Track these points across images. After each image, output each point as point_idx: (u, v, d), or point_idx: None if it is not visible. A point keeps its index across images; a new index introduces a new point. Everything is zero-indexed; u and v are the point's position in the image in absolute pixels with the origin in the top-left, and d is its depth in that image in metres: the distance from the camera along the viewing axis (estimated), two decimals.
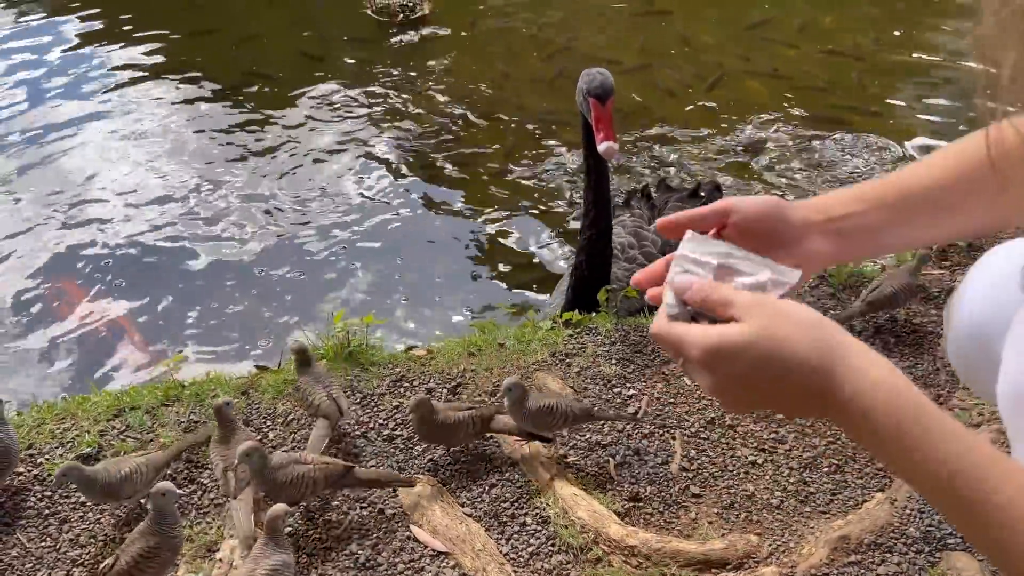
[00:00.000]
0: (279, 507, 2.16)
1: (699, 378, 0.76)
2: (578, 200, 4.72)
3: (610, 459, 2.65)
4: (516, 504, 2.49)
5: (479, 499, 2.51)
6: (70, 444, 2.75)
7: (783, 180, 4.86)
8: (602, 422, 2.72)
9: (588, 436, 2.73)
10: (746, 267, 0.80)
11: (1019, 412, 0.48)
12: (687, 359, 0.75)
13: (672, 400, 2.87)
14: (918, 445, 0.61)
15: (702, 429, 2.75)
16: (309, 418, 2.80)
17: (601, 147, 2.77)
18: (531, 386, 2.67)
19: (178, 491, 2.23)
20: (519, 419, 2.50)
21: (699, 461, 2.64)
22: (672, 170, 4.98)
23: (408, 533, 2.39)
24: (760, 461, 2.62)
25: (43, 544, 2.44)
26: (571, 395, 2.79)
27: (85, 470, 2.34)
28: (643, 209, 3.94)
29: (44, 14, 7.23)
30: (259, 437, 2.75)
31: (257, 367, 3.19)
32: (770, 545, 2.36)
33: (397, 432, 2.75)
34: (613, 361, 3.03)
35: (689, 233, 0.83)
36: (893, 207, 0.89)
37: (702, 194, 4.00)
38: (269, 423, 2.81)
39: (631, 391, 2.91)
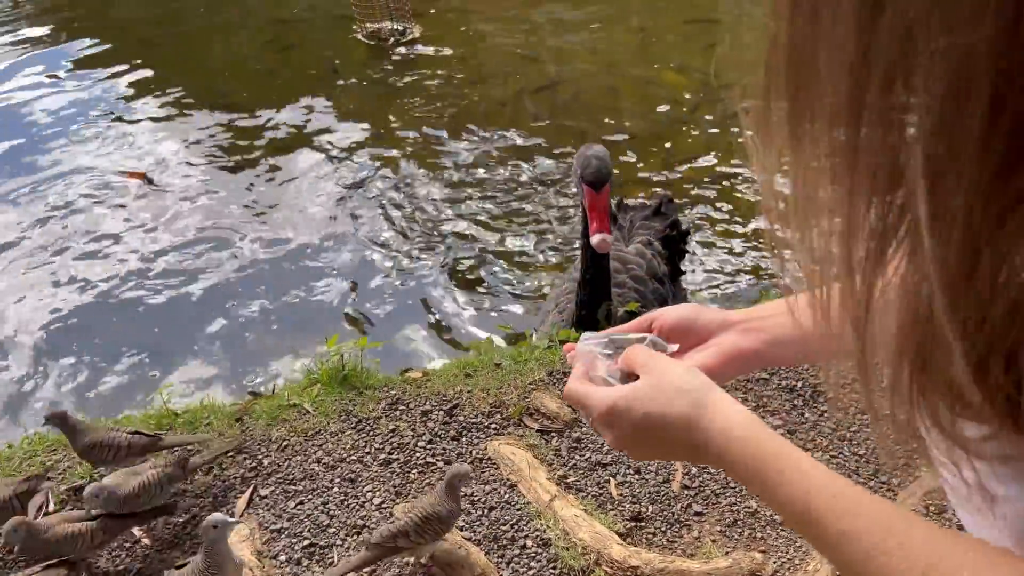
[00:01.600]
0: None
1: (601, 433, 0.86)
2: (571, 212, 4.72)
3: (611, 479, 2.61)
4: (516, 527, 2.44)
5: (478, 522, 2.47)
6: (61, 476, 2.70)
7: None
8: None
9: (587, 456, 2.69)
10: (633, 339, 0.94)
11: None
12: (591, 417, 0.86)
13: None
14: (776, 485, 0.70)
15: None
16: (303, 444, 2.77)
17: (594, 239, 2.69)
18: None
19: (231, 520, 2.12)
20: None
21: (700, 479, 2.60)
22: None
23: (406, 559, 2.34)
24: None
25: None
26: None
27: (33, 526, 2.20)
28: (613, 231, 3.89)
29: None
30: (253, 464, 2.71)
31: (251, 393, 3.15)
32: (775, 562, 2.31)
33: (394, 456, 2.71)
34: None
35: (585, 333, 0.96)
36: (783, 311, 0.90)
37: (663, 210, 3.99)
38: (263, 449, 2.77)
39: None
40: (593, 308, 3.19)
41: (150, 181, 5.23)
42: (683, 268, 3.99)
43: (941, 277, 0.44)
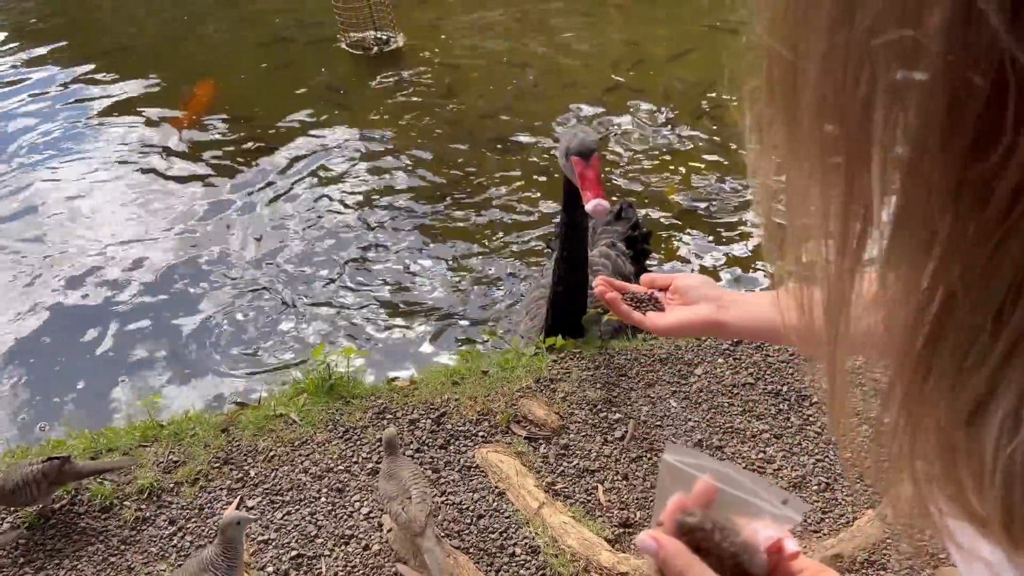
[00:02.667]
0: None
1: None
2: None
3: (598, 485, 2.62)
4: (504, 534, 2.44)
5: (467, 531, 2.47)
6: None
7: None
8: None
9: (575, 462, 2.70)
10: (743, 503, 0.73)
11: None
12: None
13: (659, 423, 2.84)
14: None
15: None
16: (290, 454, 2.76)
17: (589, 205, 2.71)
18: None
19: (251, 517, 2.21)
20: None
21: None
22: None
23: (394, 570, 2.34)
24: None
25: None
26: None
27: None
28: None
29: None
30: (239, 475, 2.70)
31: (237, 403, 3.14)
32: None
33: (381, 465, 2.70)
34: (598, 385, 3.01)
35: (670, 446, 0.80)
36: (775, 298, 1.02)
37: (623, 215, 4.09)
38: (250, 460, 2.76)
39: (617, 415, 2.88)
40: (569, 311, 3.17)
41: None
42: (648, 267, 4.08)
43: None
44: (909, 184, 0.43)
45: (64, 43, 7.56)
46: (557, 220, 4.16)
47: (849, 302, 0.48)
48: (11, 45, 7.61)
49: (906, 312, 0.44)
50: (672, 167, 5.22)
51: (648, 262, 4.11)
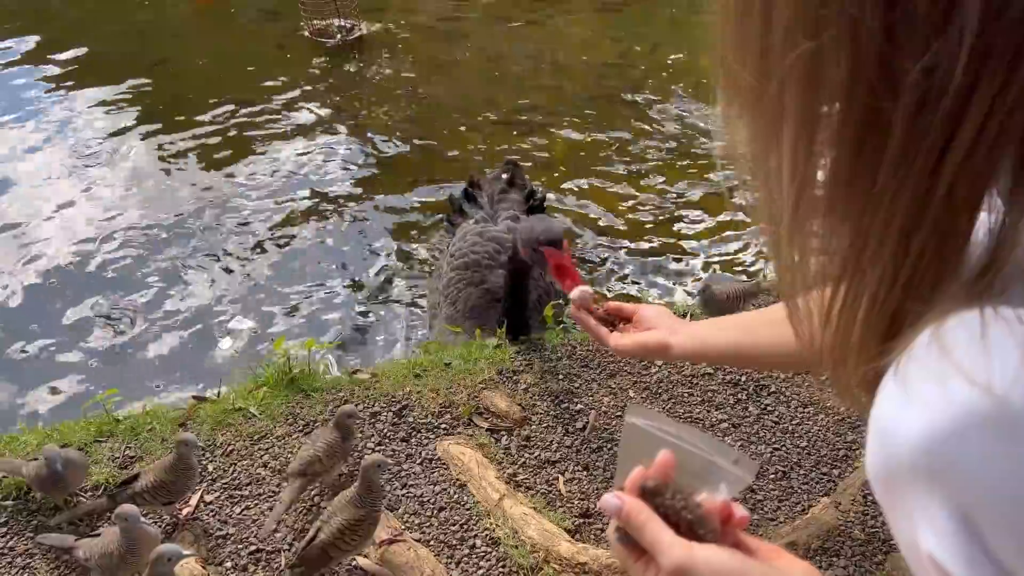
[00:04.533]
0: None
1: None
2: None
3: (559, 476, 2.63)
4: (465, 527, 2.44)
5: (427, 523, 2.46)
6: None
7: None
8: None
9: (537, 454, 2.71)
10: (698, 465, 0.78)
11: (878, 490, 0.56)
12: (652, 562, 0.75)
13: (619, 413, 2.86)
14: None
15: None
16: (249, 448, 2.73)
17: (574, 294, 2.69)
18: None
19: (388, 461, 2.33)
20: None
21: None
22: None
23: (354, 562, 2.33)
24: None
25: None
26: None
27: None
28: (479, 212, 4.02)
29: None
30: (198, 470, 2.66)
31: (195, 397, 3.09)
32: None
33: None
34: (560, 376, 3.02)
35: (631, 406, 0.88)
36: (718, 324, 1.34)
37: (517, 181, 4.23)
38: (208, 455, 2.72)
39: (579, 406, 2.90)
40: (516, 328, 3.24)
41: None
42: None
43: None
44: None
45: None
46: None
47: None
48: None
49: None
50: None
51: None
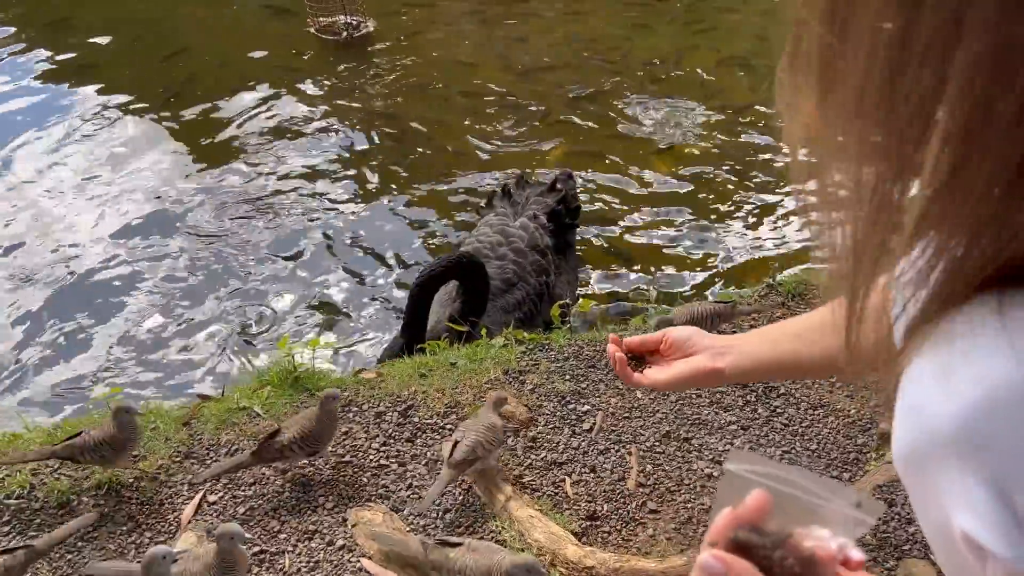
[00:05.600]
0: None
1: None
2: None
3: (566, 478, 2.60)
4: (471, 529, 2.42)
5: (433, 525, 2.44)
6: None
7: None
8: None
9: (543, 455, 2.68)
10: (804, 508, 0.67)
11: (908, 473, 0.55)
12: None
13: (627, 414, 2.83)
14: None
15: (657, 443, 2.72)
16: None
17: None
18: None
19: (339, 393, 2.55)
20: None
21: (655, 476, 2.61)
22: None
23: (359, 564, 2.31)
24: (716, 473, 2.60)
25: None
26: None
27: None
28: (506, 207, 4.16)
29: None
30: (201, 469, 2.64)
31: (200, 396, 3.07)
32: None
33: (345, 459, 2.66)
34: (567, 377, 2.99)
35: (733, 452, 0.77)
36: (766, 336, 1.17)
37: (559, 186, 4.23)
38: (212, 454, 2.70)
39: (586, 407, 2.87)
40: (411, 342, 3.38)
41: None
42: (572, 241, 4.23)
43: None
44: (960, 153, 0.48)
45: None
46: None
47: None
48: None
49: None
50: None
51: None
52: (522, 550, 2.31)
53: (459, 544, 2.12)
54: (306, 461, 2.60)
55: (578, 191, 4.49)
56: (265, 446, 2.45)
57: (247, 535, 2.28)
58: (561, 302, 3.47)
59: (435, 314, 3.54)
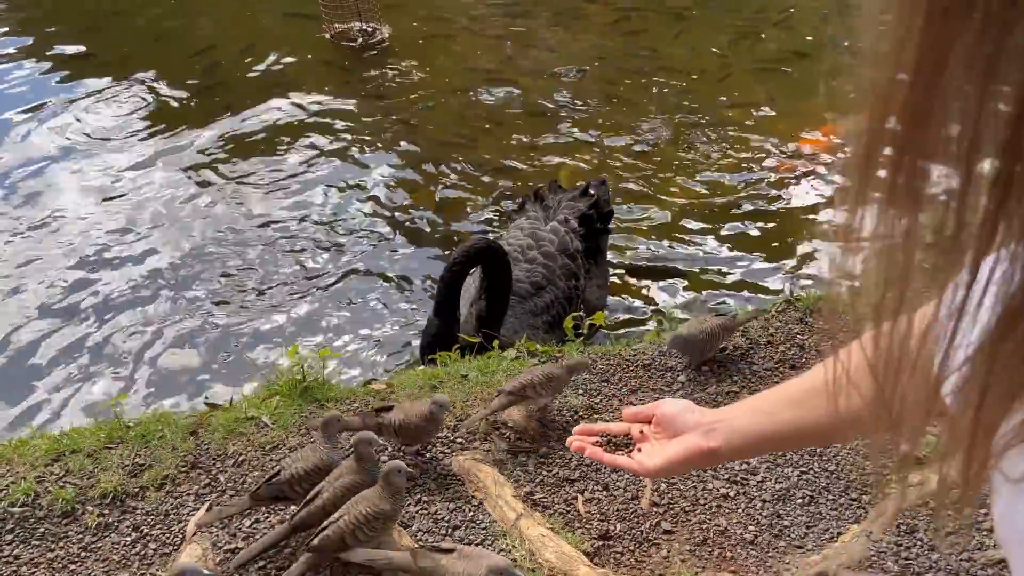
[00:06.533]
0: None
1: None
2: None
3: (578, 495, 2.55)
4: (481, 547, 2.37)
5: (443, 542, 2.39)
6: (4, 492, 2.57)
7: None
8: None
9: (555, 471, 2.63)
10: None
11: None
12: None
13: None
14: None
15: None
16: (261, 459, 2.67)
17: None
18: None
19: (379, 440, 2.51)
20: None
21: (670, 495, 2.55)
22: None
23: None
24: (732, 494, 2.54)
25: None
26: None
27: None
28: (538, 211, 4.16)
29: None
30: (208, 480, 2.61)
31: (208, 404, 3.04)
32: None
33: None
34: (580, 391, 2.94)
35: None
36: (759, 408, 1.09)
37: (591, 192, 4.20)
38: (219, 464, 2.66)
39: (599, 422, 2.81)
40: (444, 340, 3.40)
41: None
42: (602, 247, 4.20)
43: None
44: None
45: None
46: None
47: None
48: None
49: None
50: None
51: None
52: (533, 570, 2.26)
53: (450, 551, 2.07)
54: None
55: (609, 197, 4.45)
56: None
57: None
58: (575, 314, 3.42)
59: (462, 311, 3.56)
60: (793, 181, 4.95)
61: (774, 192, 4.88)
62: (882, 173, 0.51)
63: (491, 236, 4.28)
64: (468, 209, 4.86)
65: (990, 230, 0.46)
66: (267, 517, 2.48)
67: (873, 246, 0.53)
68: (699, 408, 1.15)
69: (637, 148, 5.35)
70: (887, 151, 0.51)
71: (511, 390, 2.64)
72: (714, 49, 6.55)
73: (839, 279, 0.58)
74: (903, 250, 0.51)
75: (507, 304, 3.58)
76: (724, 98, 5.84)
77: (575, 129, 5.57)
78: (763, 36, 6.73)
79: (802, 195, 4.88)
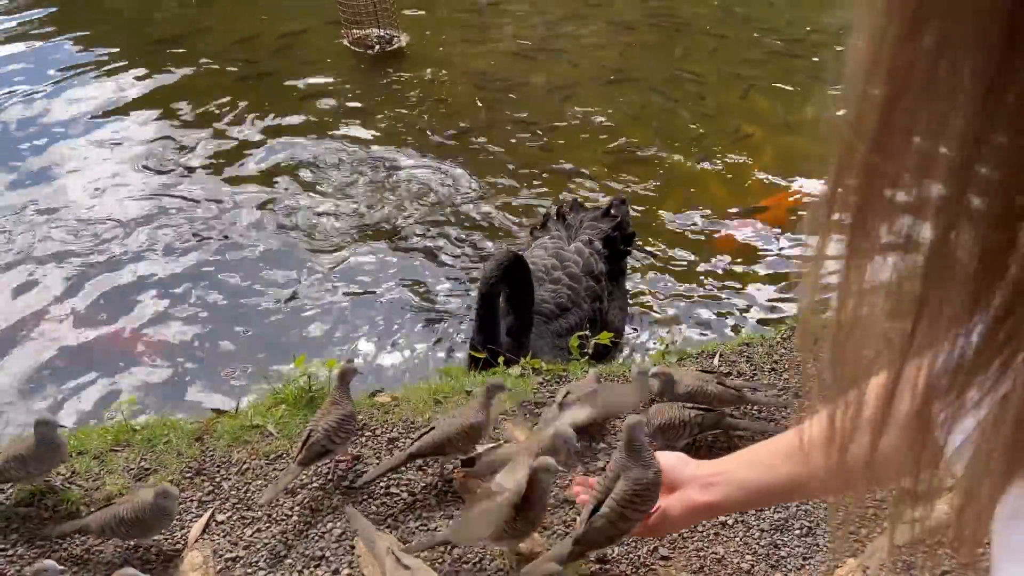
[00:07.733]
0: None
1: None
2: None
3: (577, 517, 2.56)
4: (478, 566, 2.39)
5: (439, 560, 2.41)
6: (10, 490, 2.60)
7: None
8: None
9: (555, 492, 2.64)
10: None
11: None
12: None
13: None
14: None
15: None
16: (264, 468, 2.69)
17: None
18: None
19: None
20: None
21: None
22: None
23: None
24: (731, 522, 2.55)
25: None
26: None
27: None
28: (561, 230, 4.15)
29: None
30: (211, 487, 2.63)
31: (214, 411, 3.07)
32: None
33: (356, 485, 2.64)
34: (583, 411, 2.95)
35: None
36: (759, 461, 1.08)
37: (613, 212, 4.20)
38: (223, 472, 2.69)
39: (601, 444, 2.83)
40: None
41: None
42: (624, 268, 4.22)
43: None
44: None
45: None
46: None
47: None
48: None
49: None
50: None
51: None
52: None
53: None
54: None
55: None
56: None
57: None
58: (581, 333, 3.44)
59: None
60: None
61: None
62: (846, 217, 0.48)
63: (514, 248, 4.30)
64: (485, 221, 4.88)
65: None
66: (268, 528, 2.50)
67: (842, 294, 0.50)
68: (693, 460, 1.17)
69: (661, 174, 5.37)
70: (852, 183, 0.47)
71: (415, 451, 2.49)
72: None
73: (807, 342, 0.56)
74: (872, 303, 0.48)
75: (532, 316, 3.58)
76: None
77: (595, 144, 5.59)
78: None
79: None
